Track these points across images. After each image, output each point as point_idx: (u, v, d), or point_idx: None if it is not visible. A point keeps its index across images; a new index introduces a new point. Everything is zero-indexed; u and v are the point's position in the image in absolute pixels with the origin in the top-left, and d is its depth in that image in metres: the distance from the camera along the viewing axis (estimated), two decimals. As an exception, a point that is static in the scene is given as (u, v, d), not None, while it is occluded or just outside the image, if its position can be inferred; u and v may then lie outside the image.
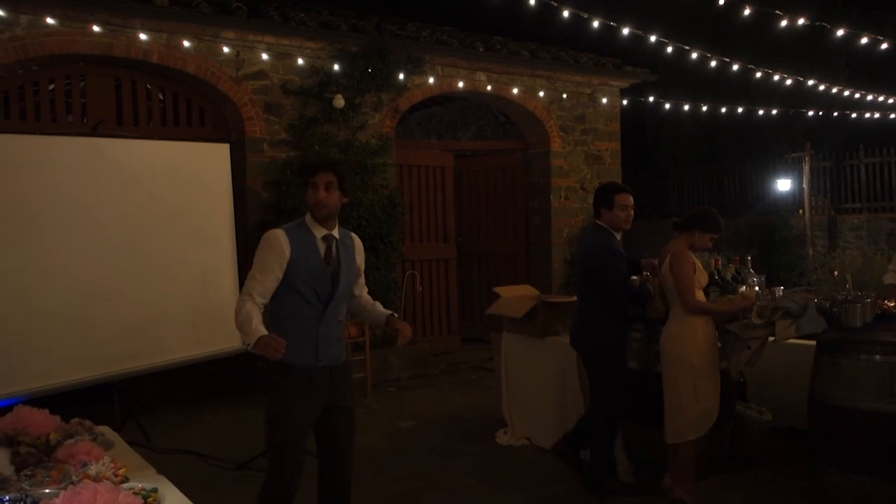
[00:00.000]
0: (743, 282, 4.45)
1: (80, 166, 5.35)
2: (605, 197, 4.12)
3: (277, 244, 2.93)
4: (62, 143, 5.44)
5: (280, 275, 2.95)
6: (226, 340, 6.09)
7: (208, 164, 6.24)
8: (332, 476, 3.17)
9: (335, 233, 3.07)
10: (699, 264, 4.00)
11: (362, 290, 3.31)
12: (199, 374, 6.38)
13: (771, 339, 3.87)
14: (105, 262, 5.43)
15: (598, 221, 4.20)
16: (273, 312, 3.03)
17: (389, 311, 3.30)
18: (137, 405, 5.88)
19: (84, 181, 5.34)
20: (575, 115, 9.06)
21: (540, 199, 9.04)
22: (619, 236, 4.17)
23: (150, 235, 5.70)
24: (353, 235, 3.22)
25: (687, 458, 3.86)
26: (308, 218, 3.04)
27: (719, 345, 4.07)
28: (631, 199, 4.10)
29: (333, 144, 7.20)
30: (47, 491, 2.00)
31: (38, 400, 4.88)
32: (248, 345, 2.85)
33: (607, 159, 9.33)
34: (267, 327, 2.89)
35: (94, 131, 5.82)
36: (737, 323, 4.00)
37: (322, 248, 3.01)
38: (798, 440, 4.59)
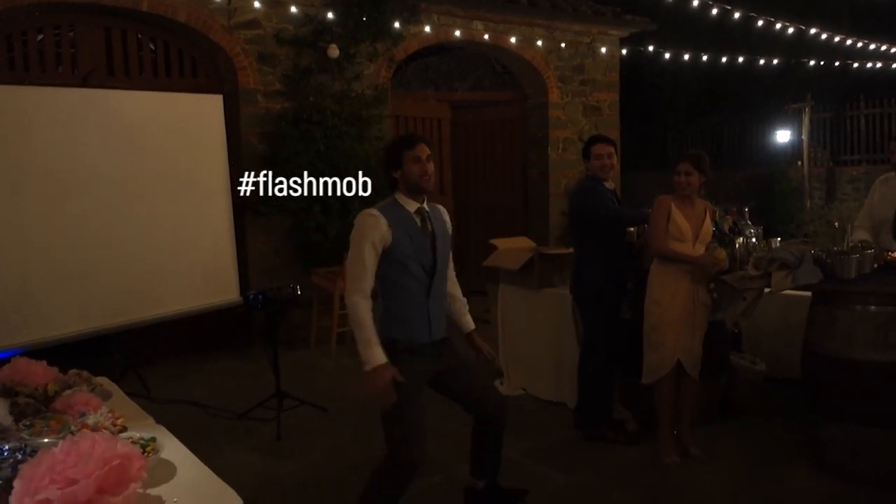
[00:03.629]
0: (740, 233, 4.44)
1: (71, 118, 5.27)
2: (585, 148, 4.29)
3: (377, 225, 2.90)
4: (53, 94, 5.36)
5: (380, 254, 2.93)
6: (223, 292, 6.10)
7: (202, 115, 6.15)
8: (488, 423, 3.23)
9: (425, 205, 3.08)
10: (708, 218, 3.98)
11: (452, 267, 3.30)
12: (197, 327, 6.40)
13: (767, 290, 3.88)
14: (100, 215, 5.39)
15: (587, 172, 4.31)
16: (384, 292, 3.03)
17: (473, 327, 3.32)
18: (136, 357, 5.91)
19: (76, 133, 5.27)
20: (573, 66, 8.92)
21: (538, 151, 8.97)
22: (608, 185, 4.21)
23: (144, 188, 5.66)
24: (441, 207, 3.23)
25: (657, 404, 3.95)
26: (399, 195, 3.03)
27: (715, 296, 4.08)
28: (607, 149, 4.19)
29: (328, 95, 7.09)
30: (46, 440, 2.01)
31: (37, 352, 4.92)
32: (364, 364, 2.88)
33: (606, 111, 9.23)
34: (378, 308, 2.98)
35: (84, 82, 5.72)
36: (733, 274, 4.00)
37: (417, 220, 3.02)
38: (792, 391, 4.64)
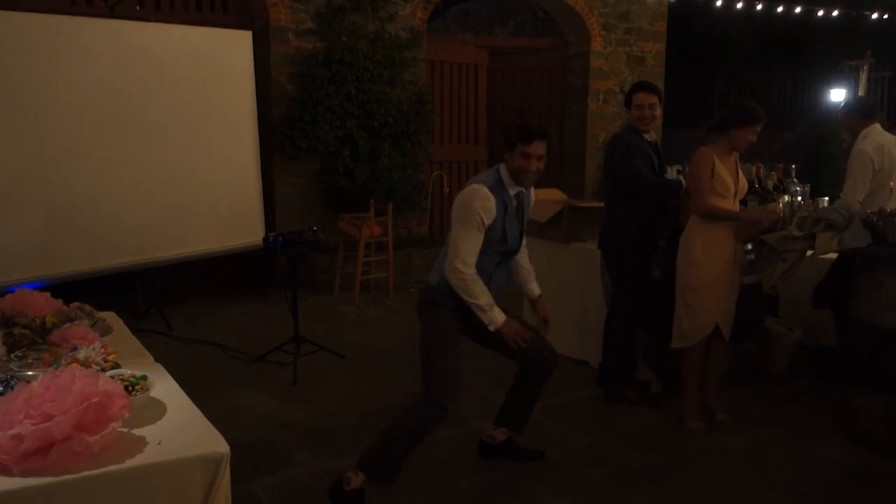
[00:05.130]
0: (785, 191, 4.20)
1: (99, 50, 5.17)
2: (627, 96, 4.01)
3: (489, 206, 2.87)
4: (81, 23, 5.24)
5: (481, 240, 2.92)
6: (249, 235, 6.03)
7: (231, 52, 6.00)
8: (534, 369, 3.21)
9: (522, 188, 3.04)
10: (742, 173, 3.74)
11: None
12: (223, 268, 6.38)
13: (809, 252, 3.64)
14: (126, 151, 5.33)
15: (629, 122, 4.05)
16: None
17: (539, 293, 3.32)
18: (161, 296, 5.91)
19: (102, 65, 5.17)
20: (619, 13, 8.53)
21: (576, 102, 8.66)
22: (648, 137, 3.97)
23: (171, 124, 5.57)
24: (532, 189, 3.18)
25: (685, 367, 3.76)
26: (505, 175, 2.98)
27: (752, 257, 3.87)
28: (650, 98, 3.90)
29: (361, 36, 6.89)
30: (30, 373, 1.93)
31: (64, 286, 4.95)
32: (489, 325, 2.92)
33: (650, 61, 8.85)
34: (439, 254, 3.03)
35: (112, 12, 5.59)
36: (774, 234, 3.77)
37: (514, 204, 3.00)
38: (827, 358, 4.45)
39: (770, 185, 4.26)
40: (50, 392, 1.66)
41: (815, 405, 4.03)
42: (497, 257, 3.01)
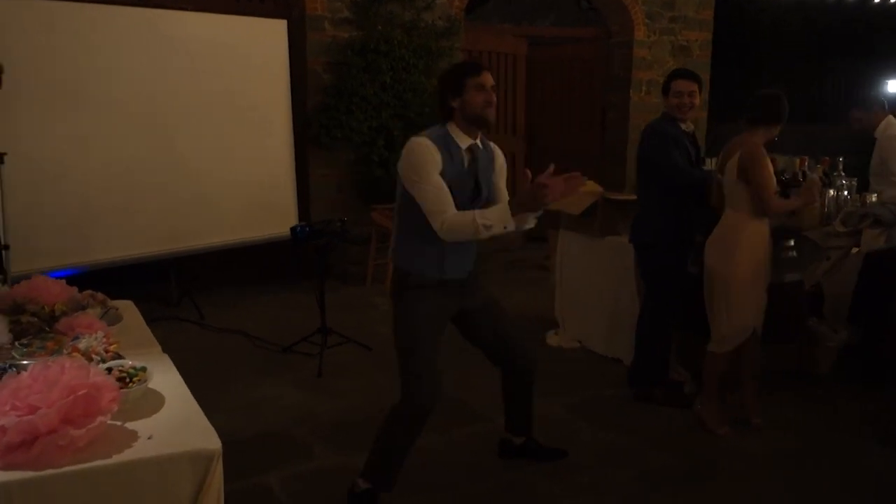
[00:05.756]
0: (831, 185, 3.98)
1: (134, 39, 5.20)
2: (665, 83, 3.85)
3: (432, 155, 2.61)
4: (116, 12, 5.27)
5: None
6: (281, 224, 5.99)
7: (265, 41, 5.99)
8: (515, 376, 3.08)
9: (478, 141, 2.78)
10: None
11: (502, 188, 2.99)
12: (257, 257, 6.40)
13: (855, 250, 3.45)
14: (161, 139, 5.37)
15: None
16: (404, 225, 2.77)
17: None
18: (195, 284, 5.94)
19: (135, 54, 5.20)
20: (664, 1, 8.27)
21: (618, 93, 8.43)
22: (685, 127, 3.79)
23: (205, 113, 5.58)
24: (495, 147, 2.90)
25: (710, 372, 3.58)
26: (452, 127, 2.71)
27: (794, 254, 3.68)
28: (689, 86, 3.75)
29: (398, 25, 6.80)
30: (24, 362, 1.90)
31: (100, 273, 5.02)
32: (508, 228, 2.57)
33: (696, 51, 8.57)
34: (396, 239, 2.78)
35: (147, 1, 5.61)
36: (817, 230, 3.58)
37: (466, 158, 2.72)
38: (874, 362, 4.22)
39: (817, 176, 4.04)
40: (38, 383, 1.62)
41: (857, 411, 3.83)
42: None
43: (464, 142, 2.72)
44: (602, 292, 4.68)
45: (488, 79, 2.70)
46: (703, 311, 3.62)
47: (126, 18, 5.22)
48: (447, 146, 2.67)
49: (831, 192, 3.90)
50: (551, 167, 2.53)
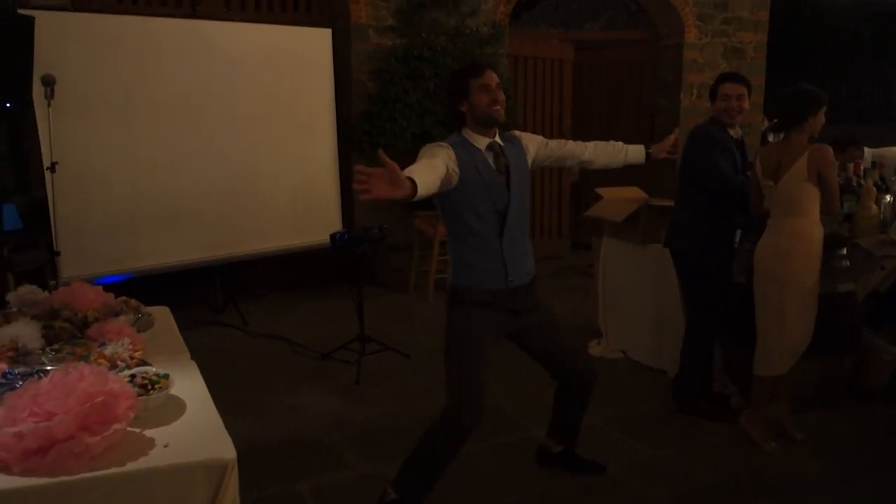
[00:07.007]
0: (887, 191, 3.80)
1: (182, 49, 5.32)
2: (713, 87, 3.72)
3: (440, 148, 2.58)
4: (164, 24, 5.41)
5: (445, 172, 2.50)
6: (324, 231, 6.03)
7: (310, 50, 6.05)
8: (573, 390, 3.05)
9: (497, 138, 2.76)
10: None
11: (564, 145, 3.06)
12: (301, 264, 6.44)
13: (912, 259, 3.28)
14: (207, 147, 5.46)
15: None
16: (453, 238, 2.76)
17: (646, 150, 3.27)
18: (240, 290, 6.02)
19: (184, 64, 5.32)
20: (716, 2, 8.08)
21: (668, 97, 8.26)
22: (733, 133, 3.66)
23: (251, 121, 5.66)
24: (517, 133, 2.89)
25: (762, 389, 3.42)
26: (466, 131, 2.70)
27: (847, 263, 3.51)
28: (738, 89, 3.61)
29: (442, 32, 6.79)
30: (49, 368, 1.93)
31: (148, 279, 5.13)
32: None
33: (750, 53, 8.34)
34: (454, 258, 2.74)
35: (194, 12, 5.73)
36: (872, 238, 3.42)
37: (490, 157, 2.70)
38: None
39: (871, 182, 3.86)
40: (56, 390, 1.64)
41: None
42: (495, 220, 2.68)
43: (481, 143, 2.70)
44: (646, 301, 4.56)
45: (492, 77, 2.68)
46: (749, 321, 3.48)
47: (174, 30, 5.35)
48: (465, 150, 2.65)
49: (888, 197, 3.72)
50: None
